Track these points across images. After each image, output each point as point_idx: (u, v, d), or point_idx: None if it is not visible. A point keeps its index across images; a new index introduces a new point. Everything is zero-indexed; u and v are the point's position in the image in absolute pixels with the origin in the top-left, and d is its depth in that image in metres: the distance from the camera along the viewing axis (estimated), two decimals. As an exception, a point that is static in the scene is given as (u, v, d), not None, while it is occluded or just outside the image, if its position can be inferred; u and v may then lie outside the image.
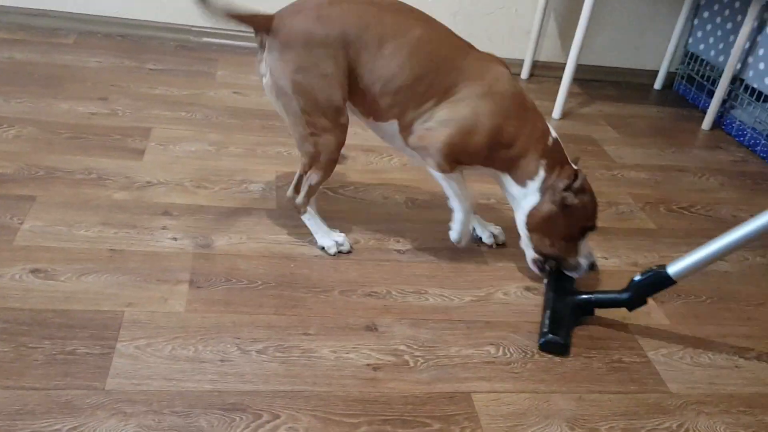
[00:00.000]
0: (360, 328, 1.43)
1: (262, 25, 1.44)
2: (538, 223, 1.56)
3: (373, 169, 2.08)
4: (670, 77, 3.17)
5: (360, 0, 1.47)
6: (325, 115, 1.47)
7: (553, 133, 1.56)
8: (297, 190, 1.67)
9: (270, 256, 1.61)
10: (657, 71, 3.16)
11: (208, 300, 1.44)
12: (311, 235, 1.68)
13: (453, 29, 1.58)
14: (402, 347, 1.39)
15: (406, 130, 1.54)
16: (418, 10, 1.53)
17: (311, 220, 1.67)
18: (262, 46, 1.47)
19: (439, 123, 1.49)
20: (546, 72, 3.07)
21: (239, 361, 1.29)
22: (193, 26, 2.81)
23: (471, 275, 1.66)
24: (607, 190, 2.17)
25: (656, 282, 1.45)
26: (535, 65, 3.05)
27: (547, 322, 1.48)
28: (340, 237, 1.67)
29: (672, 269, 1.43)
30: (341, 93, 1.46)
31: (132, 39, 2.77)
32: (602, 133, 2.59)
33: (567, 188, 1.50)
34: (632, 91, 3.09)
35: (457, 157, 1.52)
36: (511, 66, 3.06)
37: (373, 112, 1.54)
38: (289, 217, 1.76)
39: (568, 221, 1.53)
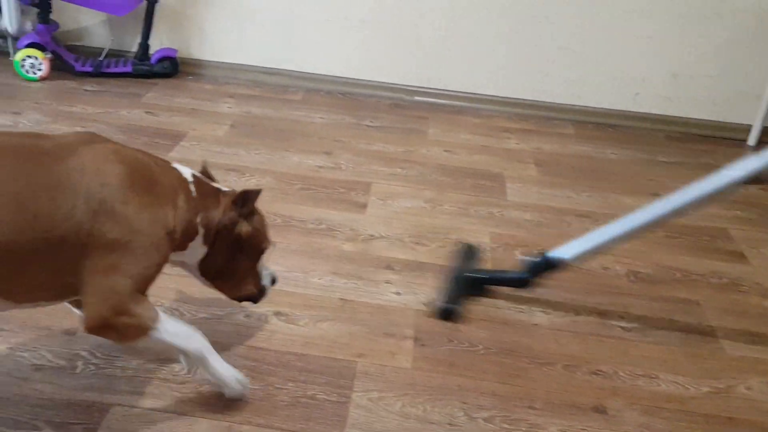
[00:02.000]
0: (587, 408, 1.37)
1: None
2: (217, 271, 1.30)
3: (589, 237, 2.01)
4: None
5: None
6: None
7: (186, 173, 1.24)
8: None
9: (489, 320, 1.60)
10: None
11: (432, 359, 1.46)
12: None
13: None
14: (636, 435, 1.30)
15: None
16: None
17: None
18: None
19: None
20: (778, 140, 2.81)
21: (467, 428, 1.28)
22: (406, 85, 2.95)
23: (707, 363, 1.53)
24: None
25: (548, 265, 1.59)
26: (766, 132, 2.81)
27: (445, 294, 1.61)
28: None
29: (562, 253, 1.57)
30: None
31: (351, 97, 2.96)
32: None
33: (235, 220, 1.24)
34: None
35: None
36: (737, 131, 2.88)
37: None
38: (506, 280, 1.75)
39: (247, 252, 1.30)
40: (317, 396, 1.32)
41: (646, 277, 1.83)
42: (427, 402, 1.34)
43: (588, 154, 2.59)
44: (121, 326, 1.08)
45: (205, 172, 1.34)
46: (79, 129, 2.38)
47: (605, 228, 1.57)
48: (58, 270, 1.04)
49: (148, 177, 1.12)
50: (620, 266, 1.87)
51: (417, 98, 2.96)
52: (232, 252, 1.27)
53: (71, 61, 2.80)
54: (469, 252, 1.81)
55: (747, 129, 2.81)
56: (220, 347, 1.43)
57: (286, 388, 1.33)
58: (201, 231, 1.21)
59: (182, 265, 1.28)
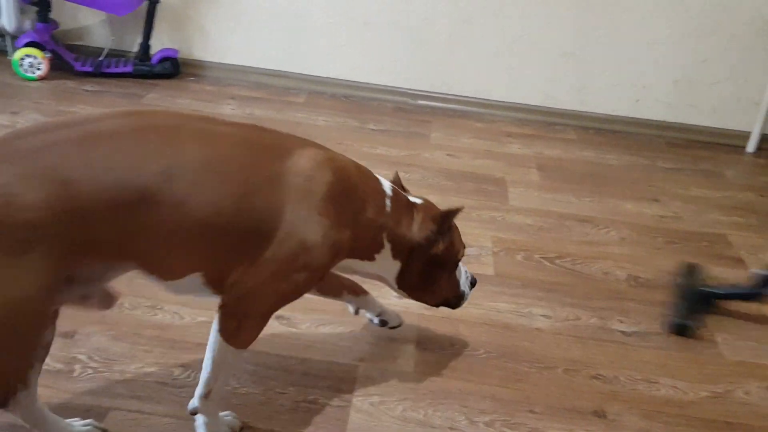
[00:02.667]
0: (587, 412, 1.37)
1: None
2: (415, 284, 1.31)
3: (590, 241, 2.02)
4: None
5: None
6: None
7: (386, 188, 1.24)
8: None
9: (491, 324, 1.61)
10: None
11: (434, 363, 1.46)
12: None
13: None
14: (636, 441, 1.31)
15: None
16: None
17: None
18: None
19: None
20: (777, 146, 2.82)
21: (468, 432, 1.29)
22: (409, 89, 2.95)
23: (706, 368, 1.53)
24: None
25: None
26: (764, 138, 2.82)
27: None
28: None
29: None
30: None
31: (354, 100, 2.96)
32: None
33: (432, 240, 1.26)
34: None
35: None
36: (737, 138, 2.89)
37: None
38: (507, 285, 1.76)
39: (444, 265, 1.32)
40: (318, 400, 1.32)
41: (646, 282, 1.83)
42: (429, 406, 1.34)
43: (589, 160, 2.59)
44: (248, 323, 1.11)
45: (397, 181, 1.36)
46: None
47: None
48: (243, 255, 1.05)
49: (349, 191, 1.13)
50: (621, 271, 1.87)
51: (420, 102, 2.97)
52: (429, 268, 1.29)
53: (71, 61, 2.80)
54: (691, 270, 1.83)
55: (746, 136, 2.82)
56: (222, 349, 1.43)
57: (287, 393, 1.33)
58: (388, 245, 1.22)
59: (378, 278, 1.30)
